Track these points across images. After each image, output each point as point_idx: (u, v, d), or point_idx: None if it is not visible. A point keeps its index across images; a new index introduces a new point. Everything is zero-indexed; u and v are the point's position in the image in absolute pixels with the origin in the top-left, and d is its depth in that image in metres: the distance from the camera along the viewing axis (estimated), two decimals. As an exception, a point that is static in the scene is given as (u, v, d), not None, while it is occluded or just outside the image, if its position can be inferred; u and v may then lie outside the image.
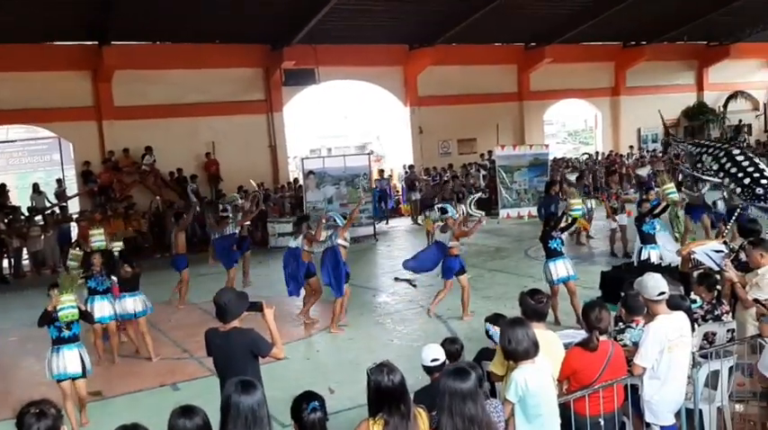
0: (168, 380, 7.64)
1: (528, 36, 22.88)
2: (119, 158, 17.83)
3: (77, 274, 7.47)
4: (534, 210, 17.04)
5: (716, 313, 5.55)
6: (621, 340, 4.94)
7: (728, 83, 27.99)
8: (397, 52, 21.18)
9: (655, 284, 4.54)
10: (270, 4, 16.81)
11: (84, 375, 6.34)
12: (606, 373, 4.26)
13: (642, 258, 9.49)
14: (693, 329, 4.95)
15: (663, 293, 4.52)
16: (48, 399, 3.03)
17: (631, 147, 25.27)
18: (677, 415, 4.69)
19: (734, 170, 9.95)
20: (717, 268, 5.91)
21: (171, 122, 18.25)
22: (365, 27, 19.14)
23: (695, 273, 6.18)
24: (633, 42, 25.17)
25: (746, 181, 9.68)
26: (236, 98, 19.31)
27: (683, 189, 11.99)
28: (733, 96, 27.77)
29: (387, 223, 19.40)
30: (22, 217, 15.82)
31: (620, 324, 5.20)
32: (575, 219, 8.94)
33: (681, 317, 4.60)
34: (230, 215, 12.50)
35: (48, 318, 6.19)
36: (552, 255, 8.57)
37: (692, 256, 6.44)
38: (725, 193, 11.67)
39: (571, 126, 30.23)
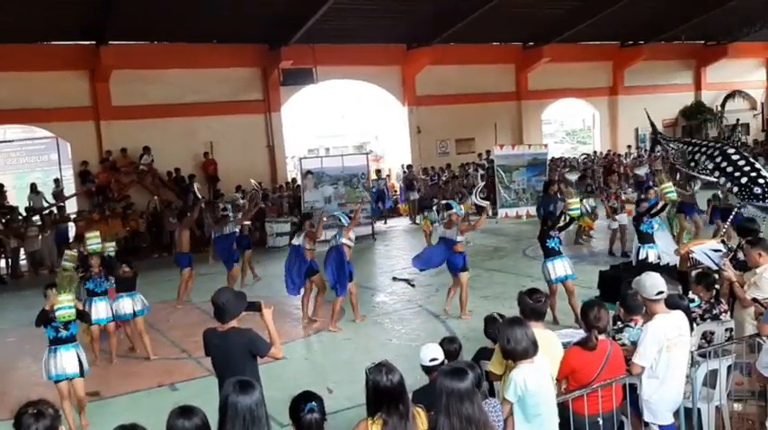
0: (166, 381, 7.63)
1: (526, 35, 22.89)
2: (116, 158, 17.81)
3: (76, 274, 7.44)
4: (533, 210, 17.05)
5: (714, 312, 5.55)
6: (620, 339, 4.93)
7: (726, 82, 28.04)
8: (395, 52, 21.17)
9: (653, 283, 4.54)
10: (268, 3, 16.80)
11: (81, 375, 6.31)
12: (605, 373, 4.26)
13: (640, 257, 9.50)
14: (692, 328, 4.95)
15: (661, 292, 4.53)
16: (45, 400, 3.02)
17: (629, 146, 25.30)
18: (676, 414, 4.70)
19: (730, 169, 9.95)
20: (715, 267, 5.92)
21: (169, 122, 18.24)
22: (363, 26, 19.14)
23: (693, 273, 6.19)
24: (631, 42, 25.19)
25: (743, 180, 9.68)
26: (234, 98, 19.30)
27: (675, 188, 12.02)
28: (731, 96, 27.81)
29: (385, 223, 19.40)
30: (20, 217, 15.80)
31: (619, 323, 5.20)
32: (572, 219, 8.94)
33: (679, 316, 4.61)
34: (230, 214, 12.52)
35: (45, 318, 6.17)
36: (550, 254, 8.57)
37: (690, 256, 6.45)
38: (720, 193, 11.72)
39: (569, 125, 30.24)
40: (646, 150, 24.95)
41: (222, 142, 19.01)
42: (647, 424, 4.65)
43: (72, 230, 15.93)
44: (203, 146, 18.97)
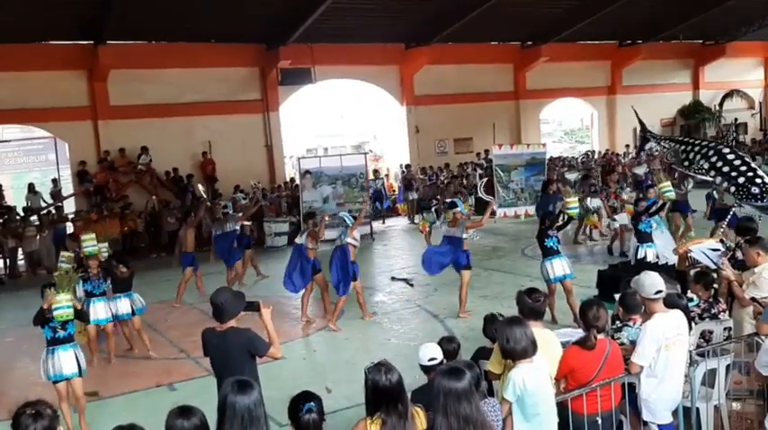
0: (165, 381, 7.62)
1: (524, 35, 22.89)
2: (114, 158, 17.79)
3: (75, 273, 7.42)
4: (531, 210, 17.03)
5: (713, 311, 5.55)
6: (619, 338, 4.94)
7: (724, 81, 28.06)
8: (394, 51, 21.17)
9: (652, 283, 4.54)
10: (266, 3, 16.80)
11: (80, 375, 6.30)
12: (603, 372, 4.26)
13: (639, 257, 9.51)
14: (690, 328, 4.95)
15: (660, 292, 4.53)
16: (43, 400, 3.02)
17: (627, 145, 25.30)
18: (674, 413, 4.70)
19: (726, 169, 9.96)
20: (714, 266, 5.92)
21: (167, 122, 18.22)
22: (361, 26, 19.13)
23: (692, 272, 6.20)
24: (629, 41, 25.21)
25: (741, 180, 9.68)
26: (233, 98, 19.29)
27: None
28: (729, 95, 27.83)
29: (383, 223, 19.39)
30: (18, 217, 15.78)
31: (618, 322, 5.20)
32: (570, 218, 8.94)
33: (678, 315, 4.61)
34: (231, 211, 12.54)
35: (43, 317, 6.14)
36: (549, 253, 8.57)
37: (688, 255, 6.45)
38: (716, 193, 11.73)
39: (567, 125, 30.26)
40: (644, 149, 24.96)
41: (220, 142, 19.00)
42: (645, 423, 4.65)
43: (70, 230, 15.89)
44: (201, 145, 18.95)
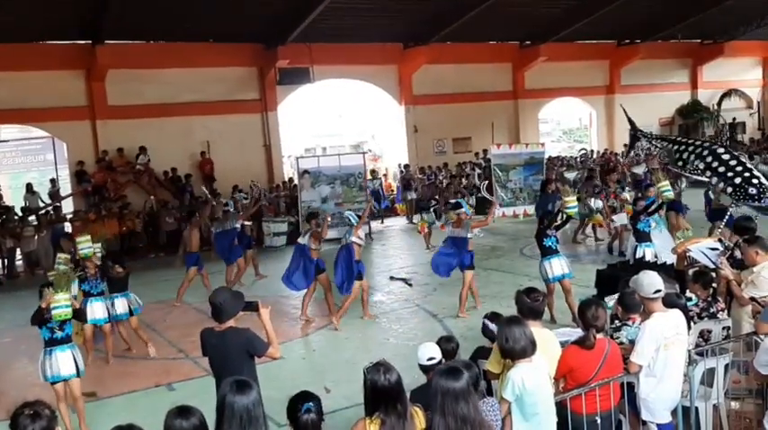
0: (163, 381, 7.61)
1: (522, 34, 22.89)
2: (113, 158, 17.77)
3: (73, 273, 7.41)
4: (530, 209, 17.05)
5: (711, 311, 5.55)
6: (618, 338, 4.94)
7: (722, 81, 28.08)
8: (392, 51, 21.16)
9: (650, 282, 4.54)
10: (264, 3, 16.78)
11: (78, 376, 6.28)
12: (602, 371, 4.26)
13: (637, 256, 9.50)
14: (689, 327, 4.95)
15: (659, 291, 4.53)
16: (41, 401, 3.02)
17: (626, 145, 25.27)
18: (673, 412, 4.70)
19: (722, 169, 9.97)
20: (712, 266, 5.92)
21: (165, 122, 18.20)
22: (360, 26, 19.13)
23: (691, 271, 6.20)
24: (627, 41, 25.22)
25: (737, 180, 9.70)
26: (231, 97, 19.27)
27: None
28: (727, 94, 27.86)
29: (382, 222, 19.39)
30: (16, 217, 15.76)
31: (617, 322, 5.20)
32: (569, 217, 8.94)
33: (677, 314, 4.61)
34: (232, 210, 12.55)
35: (40, 317, 6.11)
36: (547, 253, 8.57)
37: (687, 254, 6.45)
38: (711, 193, 11.75)
39: (566, 124, 30.27)
40: (642, 149, 24.96)
41: (219, 142, 18.99)
42: (644, 422, 4.65)
43: (68, 230, 15.88)
44: (200, 145, 18.94)
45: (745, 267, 5.68)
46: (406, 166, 21.12)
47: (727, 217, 9.67)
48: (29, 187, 17.23)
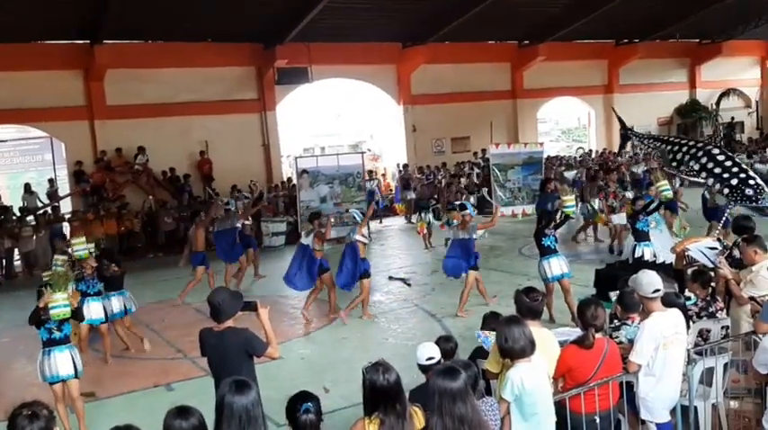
0: (162, 381, 7.59)
1: (521, 34, 22.90)
2: (111, 158, 17.75)
3: (71, 272, 7.39)
4: (529, 209, 17.03)
5: (710, 310, 5.56)
6: (617, 337, 4.93)
7: (721, 80, 28.12)
8: (390, 50, 21.16)
9: (649, 281, 4.54)
10: (262, 2, 16.76)
11: (76, 376, 6.27)
12: (601, 371, 4.26)
13: (636, 255, 9.50)
14: (688, 326, 4.96)
15: (657, 290, 4.53)
16: (40, 401, 3.01)
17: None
18: (672, 411, 4.70)
19: (718, 170, 9.99)
20: (711, 265, 5.92)
21: (163, 122, 18.19)
22: (358, 25, 19.12)
23: (689, 271, 6.19)
24: (626, 40, 25.24)
25: (734, 182, 9.72)
26: (229, 97, 19.26)
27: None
28: (725, 94, 27.89)
29: (380, 222, 19.38)
30: (14, 217, 15.73)
31: (616, 321, 5.20)
32: (567, 216, 8.95)
33: (676, 314, 4.61)
34: (233, 209, 12.56)
35: (38, 316, 6.09)
36: (546, 252, 8.57)
37: (686, 254, 6.45)
38: (707, 193, 11.77)
39: (564, 124, 30.29)
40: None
41: (217, 141, 18.97)
42: (643, 422, 4.65)
43: (66, 230, 15.87)
44: (198, 145, 18.92)
45: (744, 266, 5.68)
46: (405, 166, 21.12)
47: (724, 218, 9.70)
48: (27, 187, 17.21)
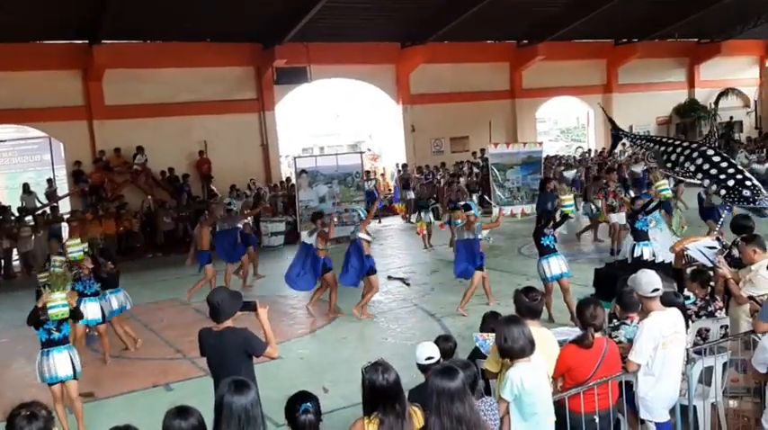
0: (161, 381, 7.59)
1: (520, 34, 22.91)
2: (110, 158, 17.74)
3: (70, 272, 7.38)
4: (528, 208, 17.06)
5: (709, 309, 5.55)
6: (616, 337, 4.93)
7: (719, 80, 28.14)
8: (389, 50, 21.16)
9: (648, 281, 4.54)
10: (261, 2, 16.75)
11: (75, 377, 6.26)
12: (601, 370, 4.26)
13: (635, 255, 9.51)
14: (687, 326, 4.95)
15: (657, 290, 4.53)
16: (38, 401, 3.00)
17: (624, 144, 25.30)
18: (672, 411, 4.70)
19: (714, 172, 10.01)
20: (710, 264, 5.92)
21: (162, 122, 18.17)
22: (357, 25, 19.12)
23: (688, 270, 6.18)
24: (625, 40, 25.25)
25: (730, 183, 9.74)
26: (228, 97, 19.25)
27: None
28: (724, 93, 27.92)
29: (379, 222, 19.37)
30: (12, 217, 15.71)
31: (615, 321, 5.19)
32: (566, 215, 8.96)
33: (675, 313, 4.61)
34: (235, 209, 12.58)
35: (36, 317, 6.07)
36: (545, 252, 8.57)
37: (685, 253, 6.44)
38: (703, 194, 11.80)
39: (563, 123, 30.28)
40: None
41: (216, 141, 18.96)
42: (643, 421, 4.65)
43: (65, 231, 15.85)
44: (197, 145, 18.91)
45: (743, 266, 5.68)
46: (404, 166, 21.12)
47: (722, 219, 9.72)
48: (25, 187, 17.20)
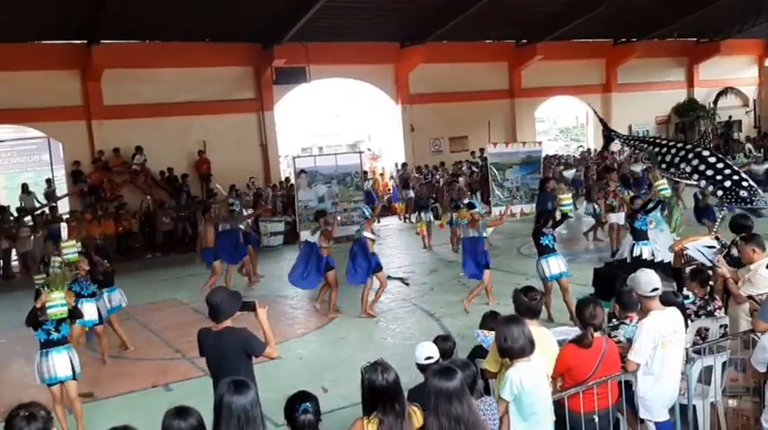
0: (160, 381, 7.58)
1: (519, 33, 22.91)
2: (109, 158, 17.73)
3: (68, 272, 7.37)
4: (527, 208, 17.02)
5: (708, 309, 5.56)
6: (615, 336, 4.93)
7: (718, 79, 28.15)
8: (388, 50, 21.16)
9: (648, 280, 4.54)
10: (260, 2, 16.75)
11: (74, 377, 6.25)
12: (600, 370, 4.26)
13: (634, 255, 9.51)
14: (686, 325, 4.95)
15: (656, 289, 4.52)
16: (37, 402, 2.99)
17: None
18: (671, 410, 4.69)
19: (710, 173, 10.03)
20: (709, 264, 5.92)
21: (161, 121, 18.16)
22: (356, 25, 19.12)
23: (688, 269, 6.19)
24: (624, 39, 25.25)
25: (727, 184, 9.76)
26: (227, 97, 19.24)
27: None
28: (723, 93, 27.93)
29: (378, 222, 19.34)
30: (11, 217, 15.70)
31: (614, 320, 5.19)
32: (565, 215, 8.97)
33: (674, 312, 4.61)
34: (237, 209, 12.59)
35: (35, 317, 6.06)
36: (544, 251, 8.57)
37: (684, 252, 6.44)
38: (699, 194, 11.82)
39: (562, 123, 30.28)
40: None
41: (215, 141, 18.96)
42: (642, 420, 4.65)
43: (64, 231, 15.85)
44: (196, 145, 18.90)
45: (742, 265, 5.68)
46: (404, 165, 21.11)
47: (720, 218, 9.73)
48: (24, 187, 17.18)
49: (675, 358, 4.54)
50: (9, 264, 15.30)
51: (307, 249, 9.88)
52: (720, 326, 5.40)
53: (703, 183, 10.17)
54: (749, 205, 9.49)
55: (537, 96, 24.69)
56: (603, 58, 25.69)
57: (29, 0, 14.56)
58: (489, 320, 5.14)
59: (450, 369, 3.40)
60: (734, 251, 6.16)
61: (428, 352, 4.47)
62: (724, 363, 5.08)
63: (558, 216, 9.00)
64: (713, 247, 6.08)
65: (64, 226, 16.00)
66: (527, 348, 3.82)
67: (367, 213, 9.89)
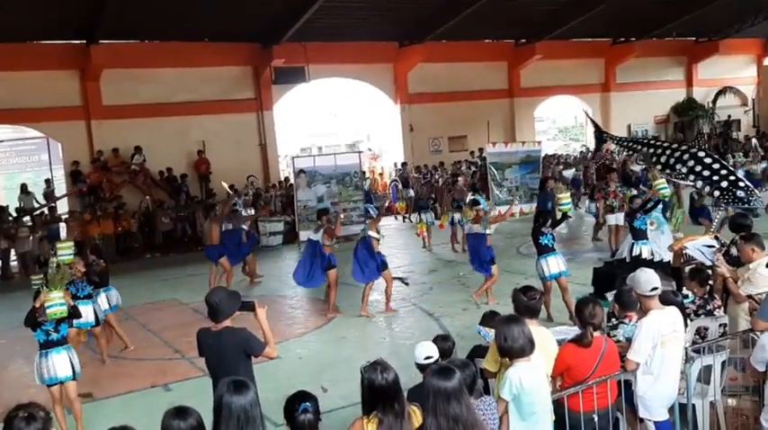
0: (160, 381, 7.58)
1: (518, 33, 22.91)
2: (108, 158, 17.72)
3: (68, 272, 7.35)
4: (526, 207, 17.02)
5: (708, 308, 5.56)
6: (615, 336, 4.93)
7: (717, 79, 28.15)
8: (387, 50, 21.15)
9: (647, 279, 4.54)
10: (260, 2, 16.74)
11: (74, 378, 6.25)
12: (600, 369, 4.26)
13: (634, 254, 9.51)
14: (686, 324, 4.96)
15: (655, 289, 4.53)
16: (36, 403, 2.98)
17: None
18: (670, 410, 4.70)
19: (707, 173, 10.04)
20: (708, 263, 5.92)
21: (160, 121, 18.16)
22: (355, 24, 19.12)
23: (687, 269, 6.19)
24: (623, 39, 25.25)
25: (724, 184, 9.77)
26: (226, 97, 19.24)
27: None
28: (722, 92, 27.94)
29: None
30: (10, 218, 15.69)
31: (613, 320, 5.19)
32: (565, 214, 8.97)
33: (673, 312, 4.61)
34: (240, 209, 12.60)
35: (34, 317, 6.04)
36: (543, 251, 8.56)
37: (683, 252, 6.45)
38: (696, 195, 11.84)
39: (561, 122, 30.29)
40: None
41: (214, 141, 18.95)
42: (642, 420, 4.65)
43: (63, 231, 15.83)
44: (196, 145, 18.90)
45: (742, 264, 5.68)
46: (404, 164, 21.10)
47: (716, 218, 9.76)
48: (23, 188, 17.16)
49: (675, 357, 4.54)
50: (8, 265, 15.29)
51: (310, 248, 9.88)
52: (720, 326, 5.40)
53: (699, 183, 10.19)
54: (746, 205, 9.52)
55: (536, 96, 24.69)
56: (602, 57, 25.69)
57: (29, 0, 14.54)
58: (489, 320, 5.14)
59: (448, 369, 3.40)
60: (733, 250, 6.17)
61: (427, 351, 4.47)
62: (723, 363, 5.08)
63: (557, 215, 9.01)
64: (713, 247, 6.08)
65: (63, 226, 15.99)
66: (527, 348, 3.82)
67: (373, 213, 9.90)
